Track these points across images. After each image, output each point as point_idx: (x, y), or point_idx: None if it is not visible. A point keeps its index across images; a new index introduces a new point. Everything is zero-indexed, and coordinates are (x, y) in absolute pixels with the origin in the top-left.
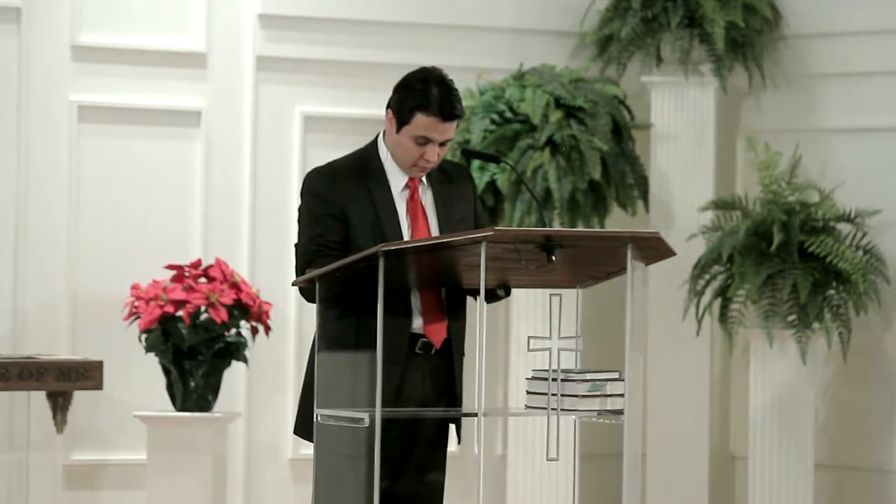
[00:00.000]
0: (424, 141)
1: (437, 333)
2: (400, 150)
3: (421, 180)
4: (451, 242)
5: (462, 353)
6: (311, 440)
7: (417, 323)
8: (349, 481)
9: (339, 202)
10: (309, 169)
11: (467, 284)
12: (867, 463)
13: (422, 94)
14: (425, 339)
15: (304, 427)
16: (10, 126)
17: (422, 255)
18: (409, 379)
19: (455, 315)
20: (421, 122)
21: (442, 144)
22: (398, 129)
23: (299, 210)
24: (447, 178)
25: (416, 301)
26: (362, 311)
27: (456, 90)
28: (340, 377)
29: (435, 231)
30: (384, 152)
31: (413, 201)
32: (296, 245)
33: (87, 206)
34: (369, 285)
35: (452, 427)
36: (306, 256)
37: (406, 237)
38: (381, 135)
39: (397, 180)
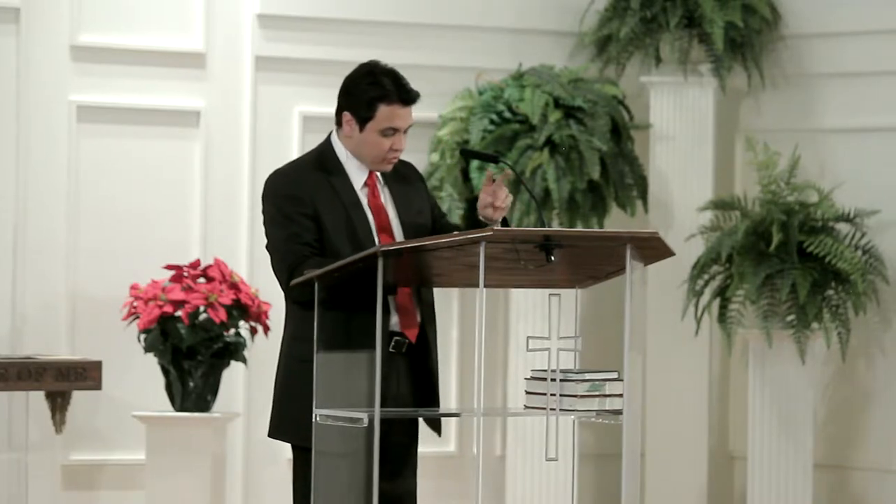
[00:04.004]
0: (392, 131)
1: (412, 331)
2: (367, 147)
3: (378, 178)
4: (450, 242)
5: (437, 351)
6: (289, 441)
7: (394, 321)
8: (337, 481)
9: (311, 202)
10: None
11: (465, 284)
12: (867, 463)
13: (376, 86)
14: (399, 338)
15: (282, 428)
16: (10, 126)
17: (420, 255)
18: (384, 378)
19: (429, 313)
20: (384, 113)
21: (405, 132)
22: (362, 128)
23: (266, 213)
24: (398, 175)
25: (391, 300)
26: (348, 309)
27: (403, 76)
28: (328, 377)
29: (397, 225)
30: (342, 152)
31: (374, 198)
32: (267, 247)
33: (87, 206)
34: (356, 285)
35: (425, 428)
36: (290, 256)
37: (374, 234)
38: (334, 134)
39: (357, 178)
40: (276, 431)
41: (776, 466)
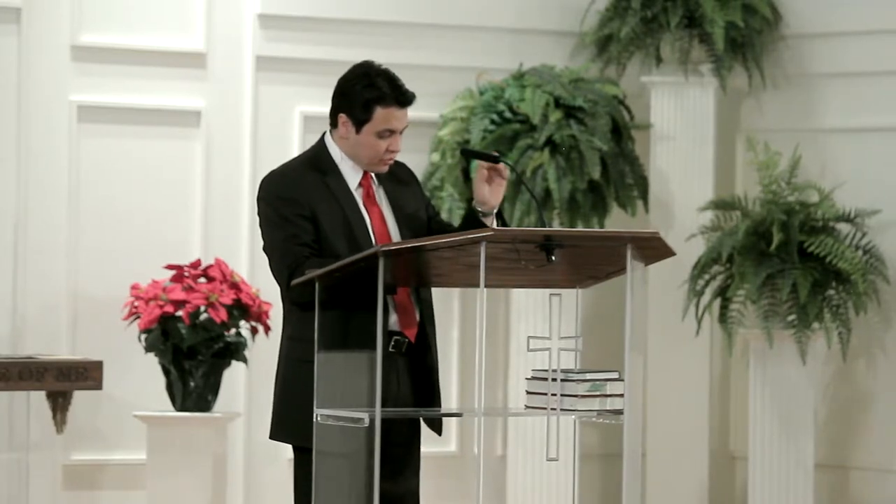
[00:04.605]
0: (389, 133)
1: (411, 330)
2: (364, 149)
3: (372, 178)
4: (450, 242)
5: (436, 350)
6: (289, 442)
7: (393, 320)
8: (338, 481)
9: (309, 203)
10: None
11: (466, 284)
12: (867, 463)
13: (372, 88)
14: (398, 337)
15: (282, 429)
16: (10, 126)
17: (421, 255)
18: (384, 378)
19: (428, 312)
20: (381, 115)
21: (401, 133)
22: (358, 130)
23: (262, 214)
24: (391, 176)
25: (390, 299)
26: (348, 309)
27: (398, 77)
28: (329, 377)
29: (393, 225)
30: (337, 153)
31: (369, 198)
32: (265, 249)
33: (87, 206)
34: (355, 285)
35: (426, 428)
36: (290, 257)
37: (371, 234)
38: (328, 135)
39: (352, 179)
40: (276, 432)
41: (777, 466)
